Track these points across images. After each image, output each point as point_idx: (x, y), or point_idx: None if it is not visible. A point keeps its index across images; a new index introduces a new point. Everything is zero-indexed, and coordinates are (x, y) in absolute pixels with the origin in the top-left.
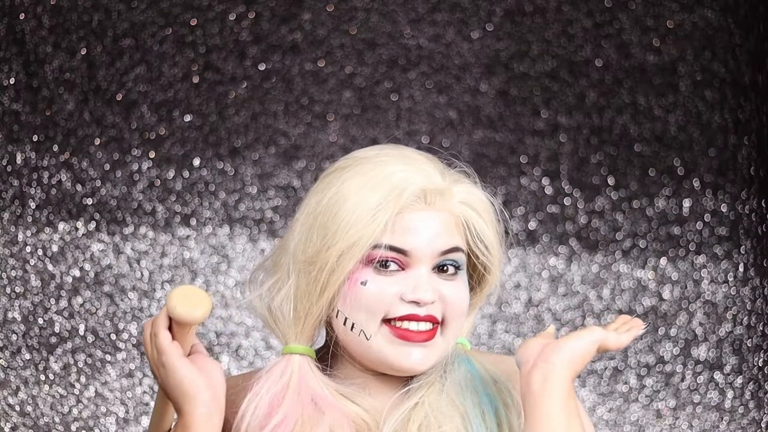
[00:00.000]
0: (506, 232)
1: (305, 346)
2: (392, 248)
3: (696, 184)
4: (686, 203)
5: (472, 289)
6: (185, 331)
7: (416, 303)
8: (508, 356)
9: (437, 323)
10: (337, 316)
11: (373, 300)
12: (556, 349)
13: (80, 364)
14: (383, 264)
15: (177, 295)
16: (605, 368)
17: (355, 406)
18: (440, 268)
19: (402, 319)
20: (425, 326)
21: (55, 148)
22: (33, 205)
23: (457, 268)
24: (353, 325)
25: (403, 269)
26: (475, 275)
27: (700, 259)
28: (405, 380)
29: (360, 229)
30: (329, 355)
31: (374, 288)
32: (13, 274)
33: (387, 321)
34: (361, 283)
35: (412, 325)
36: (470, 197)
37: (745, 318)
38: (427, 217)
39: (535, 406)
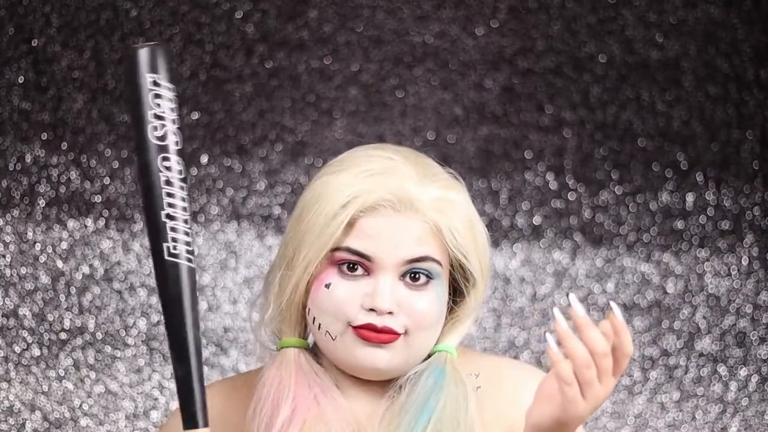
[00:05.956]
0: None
1: (297, 338)
2: (352, 251)
3: (699, 178)
4: (689, 197)
5: (462, 298)
6: None
7: (374, 311)
8: (513, 360)
9: (396, 335)
10: (308, 314)
11: (335, 306)
12: None
13: (90, 360)
14: (350, 267)
15: None
16: None
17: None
18: (411, 276)
19: (361, 328)
20: (384, 336)
21: (64, 146)
22: (42, 202)
23: (430, 277)
24: (320, 324)
25: (368, 274)
26: (468, 284)
27: (704, 253)
28: (380, 383)
29: (319, 233)
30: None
31: (336, 293)
32: (24, 272)
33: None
34: (325, 286)
35: (371, 334)
36: (444, 204)
37: (749, 310)
38: (393, 223)
39: None
